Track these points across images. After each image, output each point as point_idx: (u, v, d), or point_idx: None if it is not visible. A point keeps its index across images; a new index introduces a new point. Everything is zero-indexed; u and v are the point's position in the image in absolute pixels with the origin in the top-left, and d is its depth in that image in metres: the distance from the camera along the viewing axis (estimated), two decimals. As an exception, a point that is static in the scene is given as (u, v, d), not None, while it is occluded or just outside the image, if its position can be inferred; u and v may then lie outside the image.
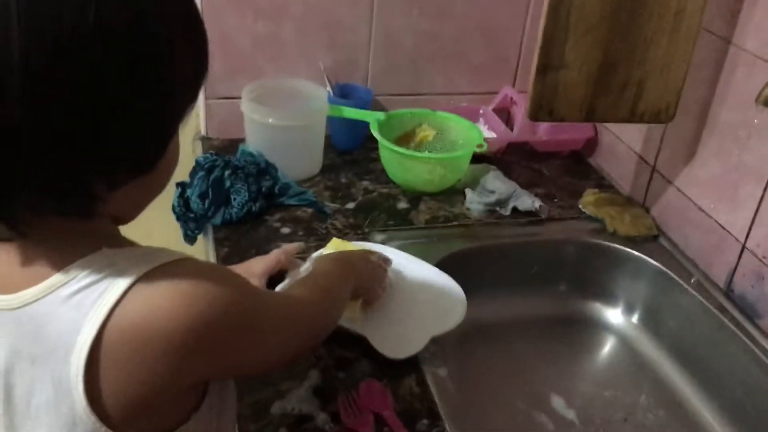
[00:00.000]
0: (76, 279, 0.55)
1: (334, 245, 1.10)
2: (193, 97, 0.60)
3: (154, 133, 0.57)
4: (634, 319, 1.27)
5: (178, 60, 0.56)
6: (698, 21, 1.05)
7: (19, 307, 0.57)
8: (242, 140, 1.35)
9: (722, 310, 1.12)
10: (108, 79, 0.51)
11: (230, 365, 0.63)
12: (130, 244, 0.64)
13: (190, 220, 1.18)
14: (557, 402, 1.13)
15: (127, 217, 0.64)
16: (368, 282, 0.98)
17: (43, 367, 0.56)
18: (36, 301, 0.56)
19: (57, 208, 0.55)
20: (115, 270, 0.55)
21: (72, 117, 0.51)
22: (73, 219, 0.56)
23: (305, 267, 1.08)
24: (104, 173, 0.55)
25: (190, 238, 1.22)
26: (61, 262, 0.56)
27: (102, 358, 0.54)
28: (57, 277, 0.56)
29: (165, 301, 0.55)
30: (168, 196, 1.20)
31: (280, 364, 0.72)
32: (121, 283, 0.55)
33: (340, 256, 0.97)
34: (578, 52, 1.05)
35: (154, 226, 1.53)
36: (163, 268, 0.57)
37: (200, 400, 0.64)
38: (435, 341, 0.98)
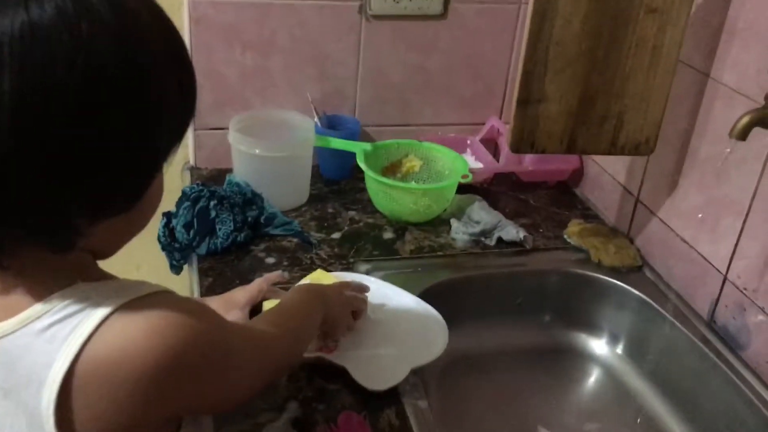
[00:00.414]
0: (51, 312, 0.56)
1: (316, 276, 1.10)
2: (179, 137, 0.62)
3: (138, 172, 0.58)
4: (619, 349, 1.27)
5: (167, 103, 0.57)
6: (675, 56, 1.07)
7: None
8: (231, 170, 1.36)
9: (705, 341, 1.13)
10: (96, 120, 0.52)
11: (202, 398, 0.64)
12: (107, 276, 0.64)
13: (175, 250, 1.19)
14: (542, 434, 1.14)
15: (107, 252, 0.65)
16: (338, 312, 0.98)
17: (16, 400, 0.57)
18: (12, 333, 0.57)
19: (39, 241, 0.56)
20: (89, 303, 0.56)
21: (58, 155, 0.52)
22: (53, 252, 0.57)
23: None
24: (87, 209, 0.56)
25: (175, 268, 1.22)
26: (37, 295, 0.57)
27: (74, 391, 0.55)
28: (32, 310, 0.57)
29: (137, 334, 0.56)
30: (156, 227, 1.21)
31: (248, 396, 0.72)
32: (95, 317, 0.56)
33: (311, 287, 0.97)
34: (557, 85, 1.07)
35: (143, 257, 1.54)
36: (136, 301, 0.58)
37: None
38: (416, 372, 0.99)
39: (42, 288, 0.58)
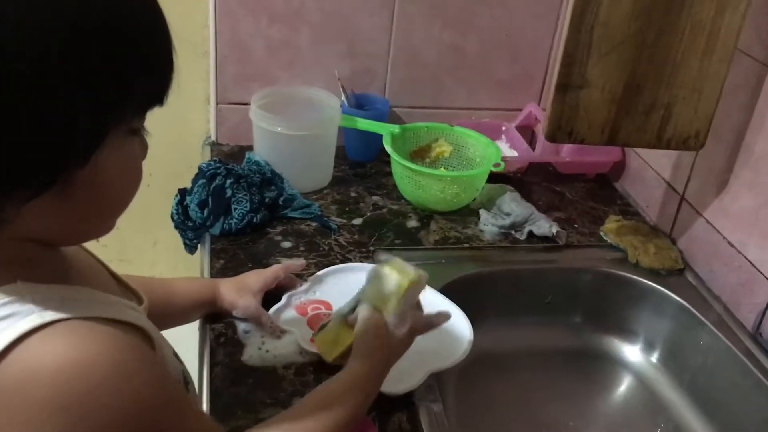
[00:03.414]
0: None
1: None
2: (114, 115, 0.52)
3: (31, 152, 0.48)
4: (654, 357, 1.19)
5: (65, 68, 0.47)
6: (733, 44, 0.97)
7: None
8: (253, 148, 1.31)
9: (749, 354, 1.04)
10: None
11: None
12: (64, 275, 0.56)
13: (188, 229, 1.14)
14: (567, 443, 1.06)
15: (57, 241, 0.57)
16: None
17: None
18: None
19: None
20: (18, 311, 0.50)
21: None
22: None
23: (305, 287, 1.02)
24: None
25: (189, 248, 1.17)
26: None
27: None
28: None
29: (47, 365, 0.49)
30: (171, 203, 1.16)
31: None
32: (16, 329, 0.49)
33: (376, 348, 0.79)
34: (601, 71, 0.98)
35: (160, 233, 1.51)
36: (69, 325, 0.51)
37: None
38: (432, 373, 0.92)
39: None
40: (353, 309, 0.83)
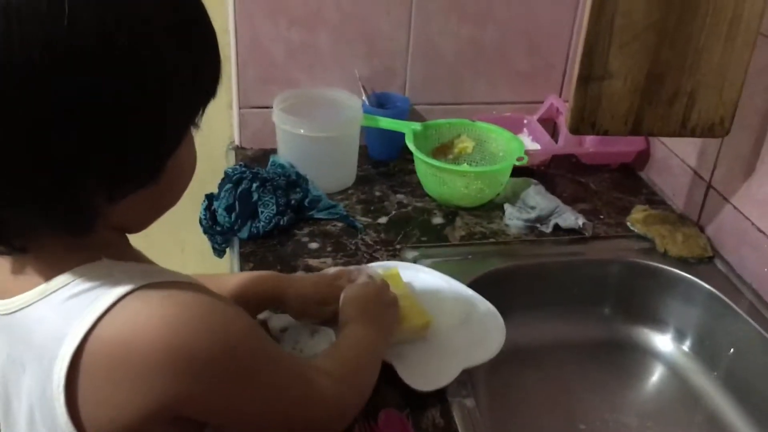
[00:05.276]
0: (70, 286, 0.54)
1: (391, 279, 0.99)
2: (197, 106, 0.57)
3: (147, 146, 0.53)
4: (685, 346, 1.18)
5: (169, 70, 0.52)
6: (756, 28, 0.96)
7: (13, 312, 0.55)
8: (276, 151, 1.32)
9: (782, 340, 1.03)
10: (86, 98, 0.48)
11: (216, 411, 0.58)
12: (139, 258, 0.62)
13: (216, 234, 1.15)
14: (600, 435, 1.06)
15: (135, 228, 0.62)
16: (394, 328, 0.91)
17: (32, 375, 0.55)
18: (29, 306, 0.54)
19: (54, 225, 0.53)
20: (110, 280, 0.54)
21: (50, 136, 0.48)
22: (72, 235, 0.54)
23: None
24: (100, 189, 0.52)
25: (218, 252, 1.19)
26: (58, 269, 0.55)
27: (82, 370, 0.52)
28: (51, 283, 0.54)
29: (150, 318, 0.52)
30: (199, 208, 1.18)
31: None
32: (112, 294, 0.53)
33: (372, 317, 0.86)
34: (623, 60, 0.98)
35: (188, 238, 1.52)
36: (159, 286, 0.54)
37: None
38: (465, 369, 0.92)
39: (63, 263, 0.55)
40: None
